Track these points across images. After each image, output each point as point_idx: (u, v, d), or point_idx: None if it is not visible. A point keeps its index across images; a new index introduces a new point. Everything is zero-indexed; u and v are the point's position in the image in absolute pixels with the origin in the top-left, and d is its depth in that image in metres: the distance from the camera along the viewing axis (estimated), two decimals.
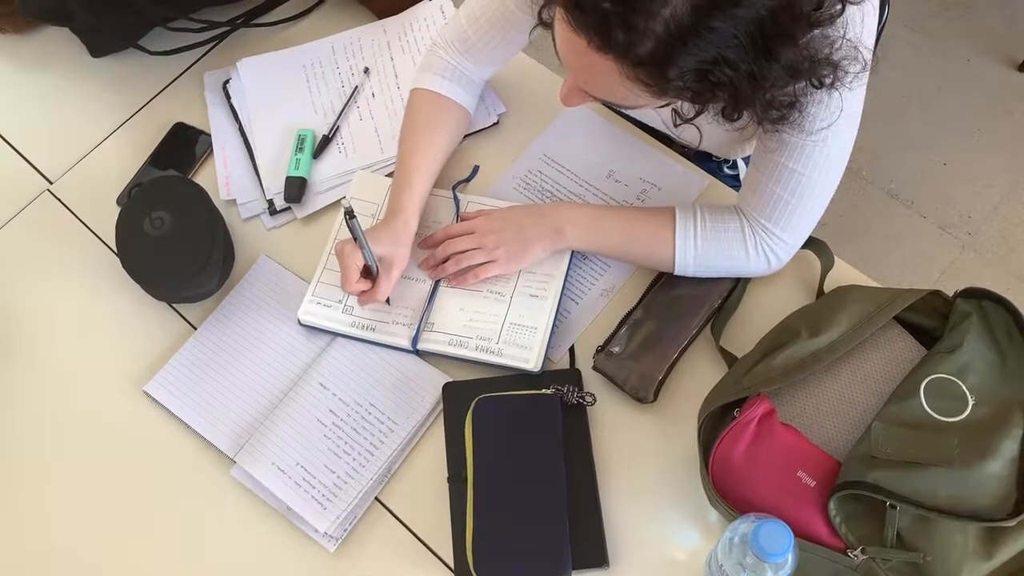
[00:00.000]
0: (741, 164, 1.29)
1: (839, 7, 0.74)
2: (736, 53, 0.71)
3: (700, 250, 1.00)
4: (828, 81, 0.79)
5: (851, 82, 0.80)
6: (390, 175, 1.15)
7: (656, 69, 0.72)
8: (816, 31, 0.75)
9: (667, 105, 0.87)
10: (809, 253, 1.05)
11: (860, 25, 0.83)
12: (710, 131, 1.04)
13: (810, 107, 0.85)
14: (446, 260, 1.06)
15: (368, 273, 1.02)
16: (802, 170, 0.93)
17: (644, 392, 0.99)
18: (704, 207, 1.02)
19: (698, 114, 0.85)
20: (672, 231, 1.01)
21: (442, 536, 0.96)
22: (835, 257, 1.05)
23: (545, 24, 0.84)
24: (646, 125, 1.20)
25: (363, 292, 1.01)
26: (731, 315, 1.04)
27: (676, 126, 0.98)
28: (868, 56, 0.81)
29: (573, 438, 0.98)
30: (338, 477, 0.98)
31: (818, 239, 1.04)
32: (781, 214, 0.97)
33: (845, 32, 0.78)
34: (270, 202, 1.14)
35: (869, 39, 0.85)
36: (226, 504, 0.99)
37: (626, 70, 0.73)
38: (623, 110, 0.99)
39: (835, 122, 0.87)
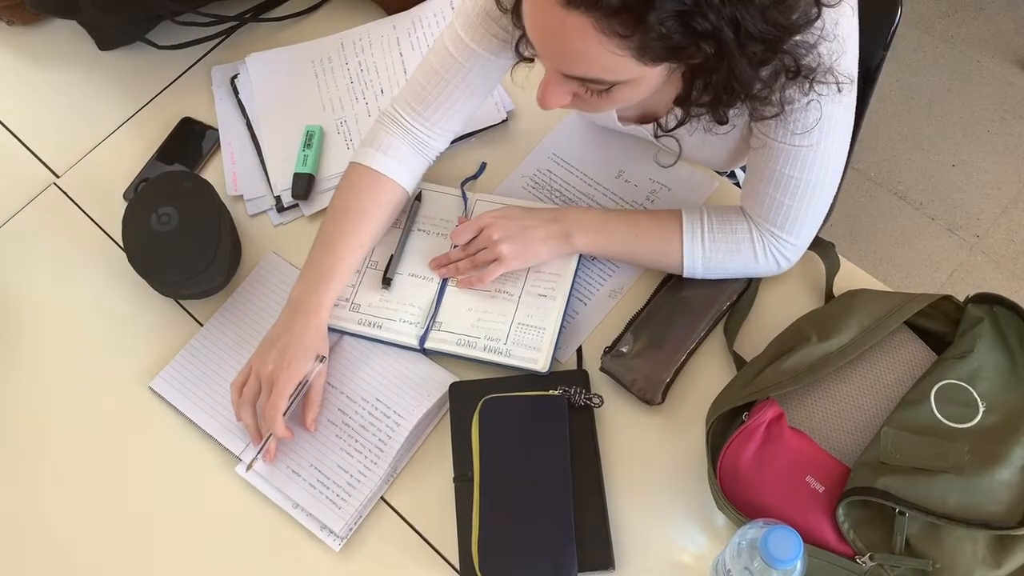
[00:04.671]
0: (739, 172, 1.28)
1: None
2: None
3: (708, 252, 1.00)
4: (807, 76, 0.80)
5: (840, 87, 0.82)
6: None
7: (633, 16, 0.69)
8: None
9: (651, 122, 0.86)
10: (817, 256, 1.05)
11: (840, 55, 0.83)
12: (697, 145, 1.04)
13: (793, 113, 0.86)
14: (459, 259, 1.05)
15: None
16: (799, 175, 0.92)
17: (651, 394, 0.98)
18: (710, 209, 1.01)
19: (684, 117, 0.86)
20: (679, 234, 1.00)
21: (447, 537, 0.95)
22: (841, 259, 1.04)
23: (517, 24, 0.82)
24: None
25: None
26: (744, 317, 1.03)
27: (657, 137, 0.96)
28: (853, 75, 0.84)
29: (580, 439, 0.97)
30: (351, 476, 0.98)
31: (825, 241, 1.04)
32: (785, 218, 0.96)
33: (820, 38, 0.79)
34: (277, 199, 1.14)
35: (851, 65, 0.86)
36: (230, 502, 0.99)
37: (601, 24, 0.70)
38: (609, 109, 0.92)
39: (819, 123, 0.87)
